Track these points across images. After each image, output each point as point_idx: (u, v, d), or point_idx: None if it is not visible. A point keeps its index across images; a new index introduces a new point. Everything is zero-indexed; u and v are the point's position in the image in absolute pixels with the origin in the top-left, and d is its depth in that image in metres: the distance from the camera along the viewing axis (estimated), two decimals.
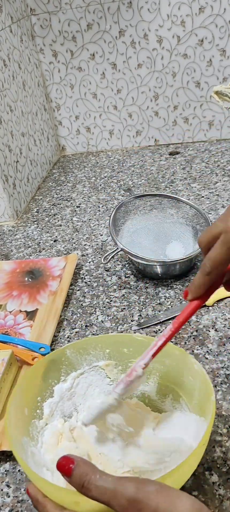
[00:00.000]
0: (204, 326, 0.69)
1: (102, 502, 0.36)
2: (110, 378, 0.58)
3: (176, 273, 0.79)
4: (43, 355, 0.68)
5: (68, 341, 0.72)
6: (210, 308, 0.72)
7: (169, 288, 0.78)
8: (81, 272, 0.87)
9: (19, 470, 0.55)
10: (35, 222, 1.07)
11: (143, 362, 0.48)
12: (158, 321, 0.71)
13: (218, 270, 0.45)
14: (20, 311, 0.78)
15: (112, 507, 0.36)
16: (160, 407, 0.55)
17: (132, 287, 0.80)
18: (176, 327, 0.48)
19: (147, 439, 0.51)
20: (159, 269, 0.79)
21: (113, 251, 0.81)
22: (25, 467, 0.42)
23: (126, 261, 0.86)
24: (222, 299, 0.73)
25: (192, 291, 0.47)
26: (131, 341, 0.56)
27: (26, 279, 0.85)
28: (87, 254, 0.91)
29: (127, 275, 0.83)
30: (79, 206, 1.10)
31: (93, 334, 0.72)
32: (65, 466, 0.39)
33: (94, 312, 0.76)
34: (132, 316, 0.74)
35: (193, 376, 0.50)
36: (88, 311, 0.77)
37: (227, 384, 0.60)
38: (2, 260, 0.95)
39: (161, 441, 0.51)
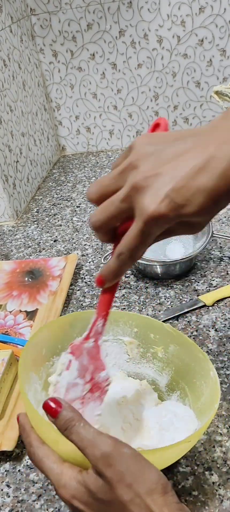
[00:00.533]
0: (204, 326, 0.69)
1: (79, 448, 0.38)
2: (129, 355, 0.59)
3: (176, 273, 0.79)
4: None
5: None
6: (210, 308, 0.72)
7: (169, 288, 0.78)
8: (81, 272, 0.87)
9: (19, 470, 0.55)
10: (35, 222, 1.07)
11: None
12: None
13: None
14: (20, 311, 0.78)
15: (87, 456, 0.38)
16: (163, 399, 0.56)
17: (132, 287, 0.80)
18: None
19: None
20: (159, 269, 0.79)
21: None
22: (22, 392, 0.45)
23: None
24: (222, 299, 0.73)
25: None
26: (160, 329, 0.57)
27: (26, 279, 0.85)
28: (87, 254, 0.91)
29: (126, 275, 0.83)
30: (79, 206, 1.10)
31: None
32: (52, 408, 0.40)
33: None
34: None
35: (206, 382, 0.50)
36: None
37: (227, 384, 0.60)
38: (2, 260, 0.95)
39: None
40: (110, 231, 0.42)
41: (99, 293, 0.79)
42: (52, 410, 0.40)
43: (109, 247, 0.92)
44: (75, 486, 0.39)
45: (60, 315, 0.77)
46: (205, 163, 0.35)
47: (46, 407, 0.41)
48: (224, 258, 0.82)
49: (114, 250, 0.41)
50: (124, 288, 0.80)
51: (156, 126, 0.44)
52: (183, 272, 0.80)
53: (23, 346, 0.69)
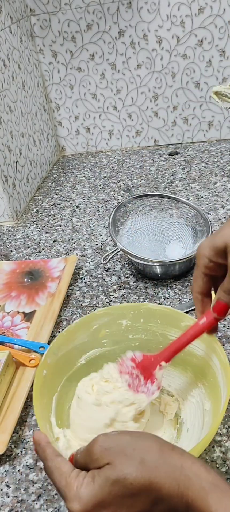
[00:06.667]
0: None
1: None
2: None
3: (175, 273, 0.79)
4: (42, 354, 0.68)
5: None
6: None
7: (169, 288, 0.78)
8: (81, 272, 0.87)
9: (18, 470, 0.55)
10: (35, 223, 1.07)
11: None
12: None
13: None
14: (18, 312, 0.78)
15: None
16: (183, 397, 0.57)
17: (131, 287, 0.80)
18: (189, 337, 0.51)
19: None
20: (158, 269, 0.79)
21: (113, 251, 0.82)
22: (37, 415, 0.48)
23: (126, 261, 0.86)
24: None
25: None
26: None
27: (25, 280, 0.85)
28: (86, 254, 0.91)
29: (126, 275, 0.83)
30: (79, 207, 1.10)
31: None
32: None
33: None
34: None
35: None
36: (87, 311, 0.77)
37: None
38: (2, 260, 0.95)
39: None
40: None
41: (99, 294, 0.79)
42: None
43: (109, 247, 0.92)
44: (86, 493, 0.37)
45: (60, 315, 0.77)
46: None
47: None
48: None
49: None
50: (124, 288, 0.80)
51: None
52: (183, 272, 0.80)
53: (22, 346, 0.69)
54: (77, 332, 0.59)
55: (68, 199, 1.14)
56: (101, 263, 0.87)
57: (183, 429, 0.54)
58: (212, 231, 0.79)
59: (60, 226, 1.03)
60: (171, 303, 0.75)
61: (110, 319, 0.60)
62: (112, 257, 0.82)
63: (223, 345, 0.65)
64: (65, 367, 0.57)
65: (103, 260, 0.83)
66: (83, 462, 0.39)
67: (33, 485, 0.53)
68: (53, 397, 0.55)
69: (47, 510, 0.51)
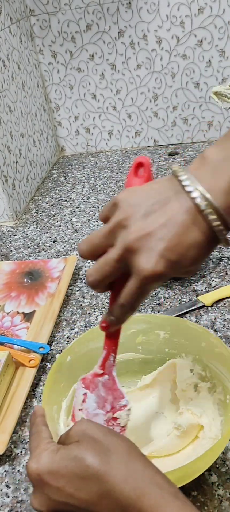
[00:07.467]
0: (203, 327, 0.69)
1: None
2: None
3: None
4: (42, 354, 0.68)
5: (68, 341, 0.72)
6: (209, 308, 0.72)
7: (168, 288, 0.78)
8: (80, 272, 0.87)
9: (18, 471, 0.55)
10: (35, 223, 1.07)
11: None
12: None
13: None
14: (18, 312, 0.78)
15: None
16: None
17: None
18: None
19: None
20: None
21: None
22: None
23: None
24: (221, 300, 0.73)
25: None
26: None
27: (25, 280, 0.85)
28: None
29: None
30: (78, 207, 1.10)
31: None
32: None
33: (93, 313, 0.76)
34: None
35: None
36: (87, 312, 0.77)
37: None
38: (2, 260, 0.95)
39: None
40: (106, 285, 0.44)
41: (98, 294, 0.79)
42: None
43: None
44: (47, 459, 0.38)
45: (59, 316, 0.77)
46: (194, 219, 0.37)
47: None
48: (223, 258, 0.83)
49: (112, 298, 0.44)
50: None
51: (138, 166, 0.46)
52: None
53: (22, 346, 0.69)
54: None
55: (68, 200, 1.14)
56: None
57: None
58: None
59: (60, 226, 1.03)
60: (171, 303, 0.75)
61: (148, 327, 0.60)
62: None
63: None
64: (93, 362, 0.53)
65: None
66: (62, 438, 0.40)
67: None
68: (73, 385, 0.55)
69: None
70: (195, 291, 0.76)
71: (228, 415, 0.48)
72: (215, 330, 0.68)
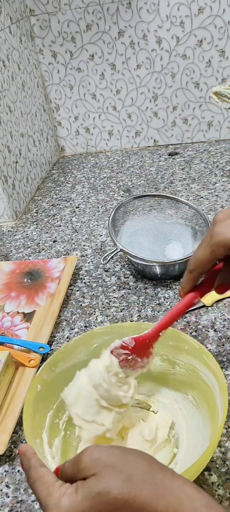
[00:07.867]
0: (203, 327, 0.69)
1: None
2: None
3: (175, 274, 0.79)
4: (42, 354, 0.68)
5: (68, 341, 0.72)
6: (209, 308, 0.72)
7: (168, 288, 0.78)
8: (80, 272, 0.87)
9: (18, 471, 0.55)
10: (35, 223, 1.07)
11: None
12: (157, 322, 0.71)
13: (200, 269, 0.49)
14: (18, 312, 0.78)
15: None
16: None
17: (131, 288, 0.80)
18: (174, 314, 0.51)
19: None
20: (158, 270, 0.79)
21: (112, 252, 0.81)
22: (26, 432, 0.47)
23: (125, 261, 0.86)
24: (221, 299, 0.73)
25: (181, 288, 0.52)
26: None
27: (25, 280, 0.85)
28: (86, 255, 0.91)
29: (126, 276, 0.83)
30: (78, 207, 1.10)
31: None
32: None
33: (93, 313, 0.76)
34: (131, 317, 0.74)
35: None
36: (87, 312, 0.77)
37: (227, 385, 0.60)
38: (2, 260, 0.95)
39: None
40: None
41: (98, 294, 0.79)
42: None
43: (108, 247, 0.92)
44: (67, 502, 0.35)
45: (59, 316, 0.77)
46: None
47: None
48: None
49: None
50: (123, 288, 0.80)
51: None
52: (182, 272, 0.79)
53: (22, 346, 0.69)
54: (76, 349, 0.57)
55: (68, 200, 1.14)
56: (101, 264, 0.87)
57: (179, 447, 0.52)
58: None
59: (60, 226, 1.03)
60: (171, 304, 0.75)
61: (110, 338, 0.56)
62: (112, 258, 0.82)
63: (223, 345, 0.65)
64: (63, 386, 0.52)
65: (103, 260, 0.83)
66: (70, 472, 0.38)
67: None
68: (48, 415, 0.53)
69: None
70: None
71: (214, 421, 0.48)
72: (215, 330, 0.68)
